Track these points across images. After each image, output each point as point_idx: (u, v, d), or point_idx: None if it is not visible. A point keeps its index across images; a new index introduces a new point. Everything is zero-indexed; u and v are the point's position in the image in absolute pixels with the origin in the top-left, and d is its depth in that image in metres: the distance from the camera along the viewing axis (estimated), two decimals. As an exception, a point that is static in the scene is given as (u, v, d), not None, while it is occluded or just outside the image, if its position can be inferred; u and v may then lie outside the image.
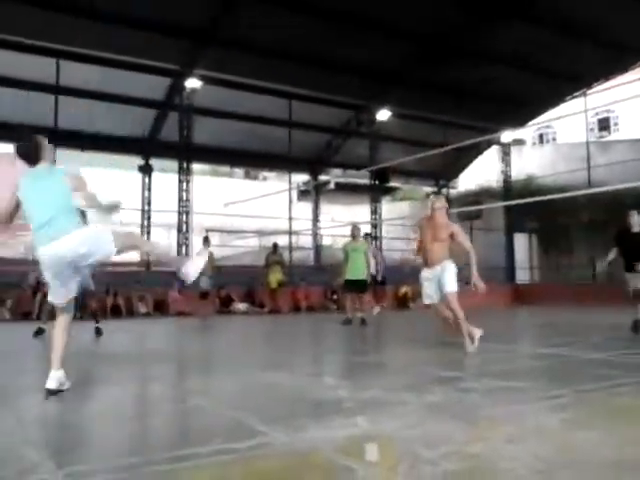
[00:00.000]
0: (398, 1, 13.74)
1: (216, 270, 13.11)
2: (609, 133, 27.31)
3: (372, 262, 12.06)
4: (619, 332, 8.43)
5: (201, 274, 13.12)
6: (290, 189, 20.23)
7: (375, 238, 19.90)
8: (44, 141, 3.91)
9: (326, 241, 21.21)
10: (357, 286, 10.16)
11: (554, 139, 29.56)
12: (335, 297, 16.13)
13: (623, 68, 18.54)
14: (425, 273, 6.19)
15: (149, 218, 17.60)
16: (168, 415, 3.46)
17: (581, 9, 14.39)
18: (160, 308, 14.36)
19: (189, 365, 5.86)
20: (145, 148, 17.85)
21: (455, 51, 16.23)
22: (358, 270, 10.11)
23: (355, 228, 10.58)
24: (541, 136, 30.57)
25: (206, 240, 13.33)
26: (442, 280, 6.00)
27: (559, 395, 3.57)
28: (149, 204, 17.64)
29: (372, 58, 16.16)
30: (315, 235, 20.42)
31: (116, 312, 13.61)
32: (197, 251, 4.59)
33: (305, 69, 16.08)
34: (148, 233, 17.58)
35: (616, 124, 27.37)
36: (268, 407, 3.50)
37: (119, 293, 13.93)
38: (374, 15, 14.33)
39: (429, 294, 6.14)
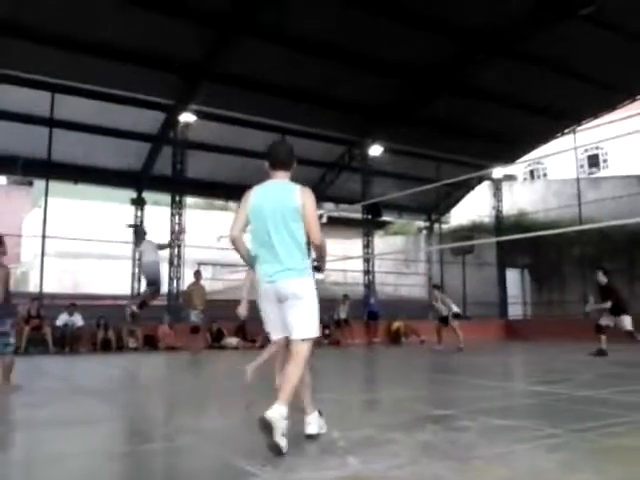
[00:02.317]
0: (390, 38, 14.02)
1: (207, 304, 13.02)
2: (599, 169, 27.67)
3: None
4: (610, 369, 8.41)
5: (192, 309, 13.09)
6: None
7: (367, 272, 19.89)
8: None
9: (318, 276, 21.19)
10: None
11: (545, 175, 29.89)
12: (328, 332, 16.03)
13: (611, 106, 18.88)
14: None
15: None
16: (155, 455, 3.39)
17: (572, 48, 14.70)
18: (150, 343, 14.20)
19: (178, 402, 5.77)
20: (138, 181, 17.89)
21: (446, 87, 16.49)
22: None
23: None
24: (532, 172, 30.92)
25: (197, 274, 13.30)
26: None
27: (553, 435, 3.54)
28: (143, 237, 17.56)
29: (365, 94, 16.39)
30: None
31: (106, 346, 13.46)
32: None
33: (298, 105, 16.26)
34: (139, 266, 17.46)
35: (605, 161, 27.76)
36: (258, 446, 3.44)
37: (110, 327, 13.79)
38: (366, 52, 14.59)
39: None
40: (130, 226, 16.40)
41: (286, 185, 3.56)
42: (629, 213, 11.81)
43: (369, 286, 19.66)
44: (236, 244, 3.56)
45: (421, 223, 24.79)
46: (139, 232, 10.06)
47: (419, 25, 13.76)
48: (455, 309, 14.58)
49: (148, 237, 9.63)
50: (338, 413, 4.89)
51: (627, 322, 9.65)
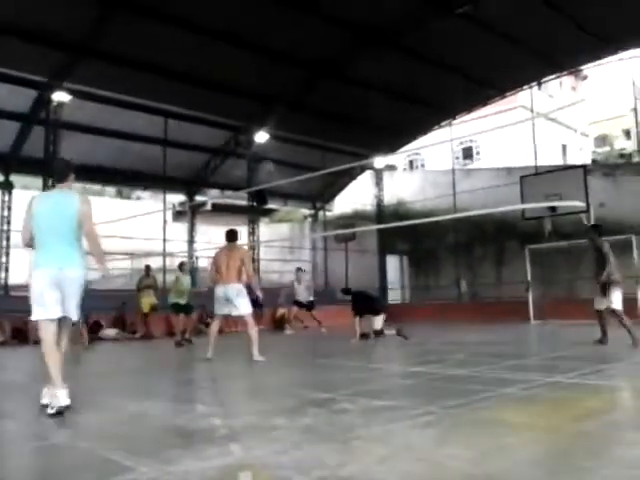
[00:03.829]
0: (278, 25, 13.97)
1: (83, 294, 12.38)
2: (472, 161, 29.32)
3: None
4: (480, 348, 8.99)
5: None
6: (165, 209, 19.68)
7: (253, 260, 19.82)
8: None
9: (202, 263, 20.81)
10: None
11: (423, 165, 31.23)
12: (209, 321, 15.81)
13: (484, 102, 20.05)
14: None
15: (8, 239, 16.33)
16: (26, 455, 3.18)
17: (449, 45, 15.42)
18: (19, 336, 13.27)
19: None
20: (6, 163, 16.61)
21: (331, 77, 16.74)
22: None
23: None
24: (411, 162, 32.19)
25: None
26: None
27: (428, 412, 3.71)
28: (9, 223, 16.38)
29: (252, 80, 16.21)
30: (190, 257, 19.95)
31: (22, 338, 12.53)
32: None
33: (183, 87, 15.78)
34: (7, 255, 16.29)
35: (478, 153, 29.47)
36: (136, 439, 3.32)
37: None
38: (254, 38, 14.44)
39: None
40: None
41: (66, 194, 4.39)
42: (498, 202, 12.59)
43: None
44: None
45: (306, 211, 25.06)
46: None
47: (307, 14, 13.80)
48: (311, 297, 15.85)
49: None
50: (220, 401, 4.84)
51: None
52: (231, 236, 8.12)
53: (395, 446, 2.93)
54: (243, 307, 7.65)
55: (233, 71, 15.45)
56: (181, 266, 12.81)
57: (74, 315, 4.31)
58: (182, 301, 12.32)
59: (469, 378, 5.42)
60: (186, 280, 12.63)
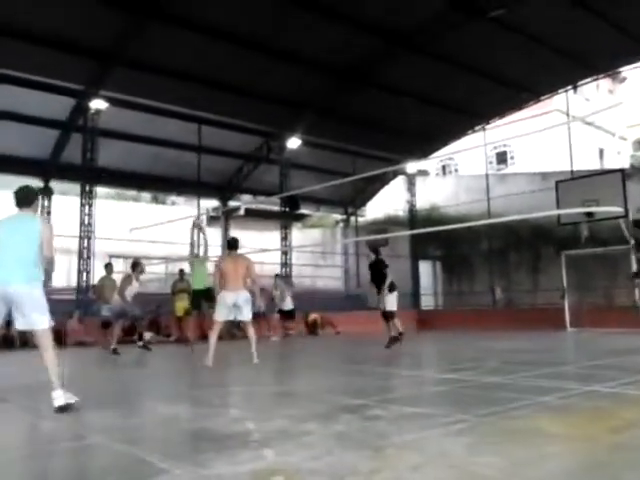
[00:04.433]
0: (309, 32, 14.05)
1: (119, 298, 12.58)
2: (506, 166, 28.96)
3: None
4: (515, 355, 8.85)
5: (103, 302, 12.53)
6: (199, 214, 19.91)
7: (285, 265, 19.92)
8: None
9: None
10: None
11: (456, 170, 30.96)
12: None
13: (518, 106, 19.80)
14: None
15: (48, 243, 16.73)
16: (63, 454, 3.25)
17: (482, 49, 15.30)
18: (57, 338, 13.54)
19: (88, 399, 5.55)
20: (46, 170, 17.05)
21: (363, 82, 16.75)
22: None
23: None
24: (444, 167, 31.94)
25: (107, 267, 12.84)
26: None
27: (461, 420, 3.68)
28: (48, 228, 16.79)
29: (284, 86, 16.35)
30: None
31: (9, 344, 12.74)
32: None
33: (216, 94, 16.00)
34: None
35: (512, 158, 29.09)
36: (170, 442, 3.37)
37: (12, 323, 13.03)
38: (286, 45, 14.56)
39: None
40: None
41: (28, 217, 4.69)
42: (533, 208, 12.42)
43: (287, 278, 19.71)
44: None
45: (338, 216, 25.07)
46: None
47: (338, 20, 13.86)
48: (290, 306, 15.86)
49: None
50: (252, 405, 4.87)
51: None
52: (234, 244, 8.31)
53: (428, 454, 2.91)
54: (247, 314, 7.93)
55: (265, 78, 15.61)
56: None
57: (38, 325, 4.51)
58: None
59: (503, 386, 5.35)
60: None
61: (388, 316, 10.14)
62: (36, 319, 4.48)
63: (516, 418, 3.77)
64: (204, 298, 12.00)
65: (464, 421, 3.65)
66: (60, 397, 4.34)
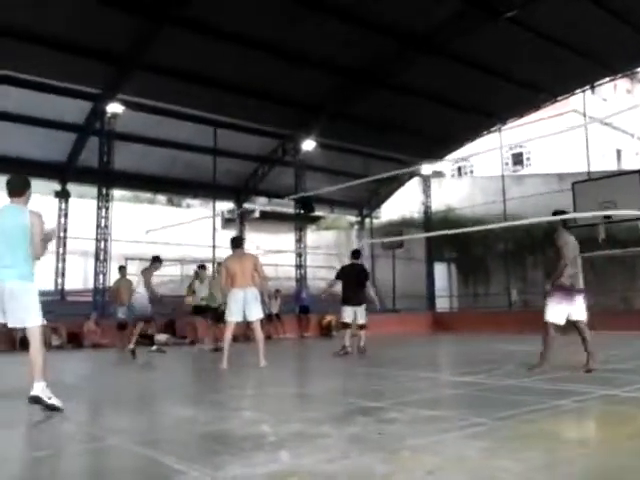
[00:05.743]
0: (323, 34, 14.07)
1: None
2: (522, 167, 28.77)
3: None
4: (531, 358, 8.77)
5: (119, 304, 12.59)
6: (214, 216, 20.01)
7: (299, 266, 19.96)
8: None
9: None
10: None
11: (472, 172, 30.82)
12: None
13: (535, 107, 19.66)
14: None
15: (65, 245, 16.92)
16: (81, 456, 3.28)
17: (498, 49, 15.22)
18: (75, 340, 13.71)
19: (104, 401, 5.60)
20: (63, 173, 17.24)
21: (378, 84, 16.72)
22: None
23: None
24: (459, 169, 31.81)
25: (121, 269, 12.96)
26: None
27: (477, 423, 3.66)
28: (65, 231, 16.98)
29: (298, 89, 16.39)
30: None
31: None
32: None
33: (231, 97, 16.07)
34: (63, 261, 16.86)
35: (528, 159, 28.89)
36: (186, 444, 3.39)
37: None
38: (300, 47, 14.60)
39: None
40: None
41: (19, 210, 4.54)
42: (549, 209, 12.30)
43: (301, 280, 19.74)
44: None
45: (353, 218, 25.06)
46: None
47: (352, 23, 13.86)
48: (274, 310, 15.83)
49: None
50: (268, 407, 4.88)
51: None
52: (237, 243, 8.25)
53: (444, 457, 2.90)
54: (255, 312, 7.80)
55: (280, 80, 15.65)
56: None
57: (29, 323, 4.53)
58: (213, 304, 12.40)
59: (520, 389, 5.32)
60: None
61: (364, 327, 10.07)
62: (27, 317, 4.49)
63: (532, 422, 3.74)
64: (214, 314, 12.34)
65: (480, 424, 3.63)
66: (38, 389, 4.32)
